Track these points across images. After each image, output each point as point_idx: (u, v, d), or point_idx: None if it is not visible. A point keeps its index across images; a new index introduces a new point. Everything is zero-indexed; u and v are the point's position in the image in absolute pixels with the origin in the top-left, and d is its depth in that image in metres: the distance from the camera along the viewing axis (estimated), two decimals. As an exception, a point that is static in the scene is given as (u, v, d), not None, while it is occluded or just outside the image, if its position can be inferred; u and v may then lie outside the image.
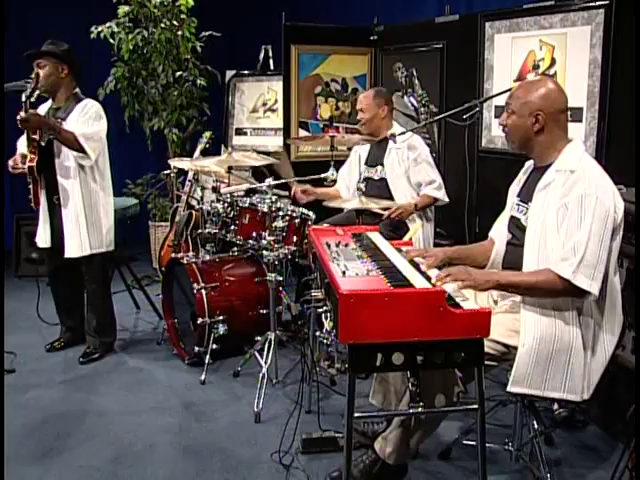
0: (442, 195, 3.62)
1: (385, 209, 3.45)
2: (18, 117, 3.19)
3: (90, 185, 3.51)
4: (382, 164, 3.70)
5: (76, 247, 3.50)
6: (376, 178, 3.72)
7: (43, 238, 3.59)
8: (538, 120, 2.20)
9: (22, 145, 3.45)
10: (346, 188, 3.89)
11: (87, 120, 3.40)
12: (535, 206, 2.23)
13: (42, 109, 3.54)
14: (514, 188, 2.46)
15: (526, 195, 2.32)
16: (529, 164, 2.40)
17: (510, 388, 2.14)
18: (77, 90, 3.53)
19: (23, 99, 3.19)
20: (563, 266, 2.04)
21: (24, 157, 3.38)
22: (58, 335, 3.84)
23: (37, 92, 3.27)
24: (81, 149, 3.35)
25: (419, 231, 3.55)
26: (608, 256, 2.07)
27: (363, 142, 3.75)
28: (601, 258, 2.04)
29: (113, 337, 3.80)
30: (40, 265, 5.21)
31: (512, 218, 2.38)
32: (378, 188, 3.67)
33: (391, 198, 3.61)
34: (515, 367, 2.12)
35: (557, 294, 2.09)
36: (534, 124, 2.21)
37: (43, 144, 3.36)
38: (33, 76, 3.26)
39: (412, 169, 3.61)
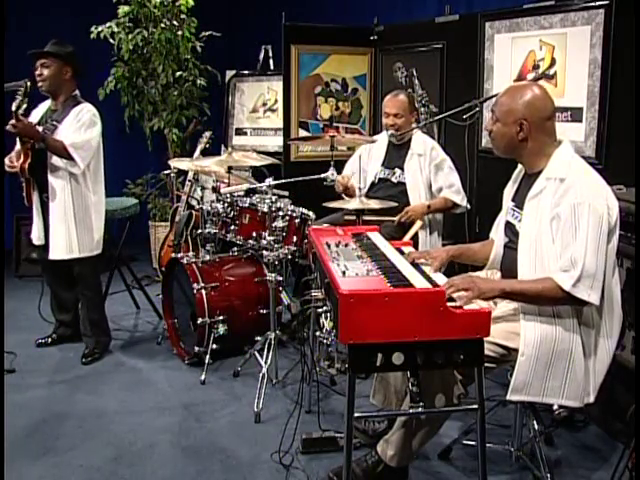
0: (460, 199, 3.60)
1: (395, 214, 3.44)
2: (7, 127, 3.19)
3: (81, 188, 3.49)
4: (402, 168, 3.68)
5: (63, 249, 3.48)
6: (394, 181, 3.70)
7: (37, 235, 3.59)
8: (522, 129, 2.17)
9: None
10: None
11: (80, 127, 3.39)
12: (527, 215, 2.22)
13: (41, 108, 3.55)
14: (508, 191, 2.45)
15: (520, 201, 2.31)
16: (521, 167, 2.39)
17: (510, 396, 2.14)
18: (76, 92, 3.53)
19: (13, 109, 3.19)
20: (563, 277, 2.03)
21: (19, 154, 3.38)
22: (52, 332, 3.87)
23: (24, 105, 3.24)
24: (70, 158, 3.35)
25: (420, 234, 3.54)
26: (605, 259, 2.06)
27: (363, 142, 3.74)
28: (599, 265, 2.03)
29: (108, 337, 3.79)
30: (40, 265, 5.25)
31: (508, 223, 2.38)
32: (395, 191, 3.66)
33: (407, 201, 3.60)
34: (515, 376, 2.11)
35: (558, 302, 2.09)
36: (518, 132, 2.18)
37: (37, 146, 3.36)
38: (22, 88, 3.21)
39: (434, 176, 3.61)
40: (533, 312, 2.13)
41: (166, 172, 4.73)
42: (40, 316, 3.97)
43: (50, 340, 3.84)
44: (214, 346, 3.45)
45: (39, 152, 3.39)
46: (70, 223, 3.47)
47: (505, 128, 2.21)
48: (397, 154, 3.72)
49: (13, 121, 3.18)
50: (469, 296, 1.99)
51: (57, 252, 3.49)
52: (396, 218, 3.48)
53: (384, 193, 3.67)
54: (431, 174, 3.62)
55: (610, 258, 2.10)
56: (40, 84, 3.40)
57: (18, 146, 3.46)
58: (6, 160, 3.45)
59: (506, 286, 2.11)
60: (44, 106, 3.56)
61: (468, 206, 3.66)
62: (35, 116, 3.52)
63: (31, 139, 3.30)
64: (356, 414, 1.95)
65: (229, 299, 3.59)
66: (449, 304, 1.86)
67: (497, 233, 2.47)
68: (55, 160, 3.41)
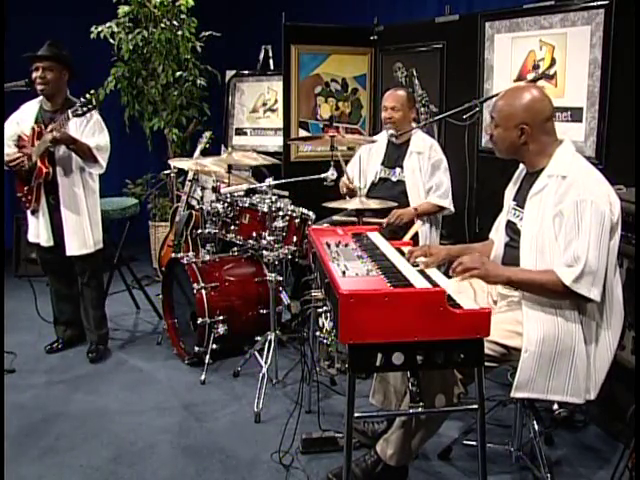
0: (447, 204, 3.59)
1: (384, 216, 3.44)
2: (52, 136, 3.24)
3: (90, 185, 3.58)
4: (401, 166, 3.66)
5: (79, 245, 3.55)
6: (394, 180, 3.69)
7: (45, 237, 3.60)
8: (524, 132, 2.19)
9: (7, 146, 3.51)
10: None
11: (95, 131, 3.47)
12: (529, 212, 2.23)
13: (27, 110, 3.54)
14: (510, 191, 2.46)
15: (521, 200, 2.32)
16: (523, 167, 2.40)
17: (514, 394, 2.15)
18: (68, 93, 3.56)
19: (71, 116, 3.22)
20: (566, 272, 2.05)
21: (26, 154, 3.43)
22: (56, 336, 3.85)
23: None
24: (94, 160, 3.45)
25: (420, 232, 3.53)
26: (607, 256, 2.07)
27: (363, 142, 3.73)
28: (601, 262, 2.05)
29: (107, 329, 3.83)
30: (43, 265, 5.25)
31: (509, 222, 2.39)
32: (396, 191, 3.65)
33: (407, 201, 3.59)
34: (518, 373, 2.12)
35: (560, 296, 2.10)
36: (520, 136, 2.20)
37: (52, 150, 3.42)
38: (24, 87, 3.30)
39: (430, 174, 3.60)
40: (535, 309, 2.15)
41: (166, 172, 4.73)
42: (39, 317, 3.97)
43: (58, 345, 3.81)
44: (214, 346, 3.45)
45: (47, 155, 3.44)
46: (84, 219, 3.56)
47: (506, 133, 2.22)
48: (397, 153, 3.71)
49: (56, 133, 3.24)
50: (475, 273, 2.04)
51: (73, 249, 3.55)
52: (384, 220, 3.47)
53: (384, 193, 3.67)
54: (428, 172, 3.61)
55: (612, 255, 2.12)
56: (42, 87, 3.40)
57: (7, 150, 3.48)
58: (6, 157, 3.47)
59: (512, 274, 2.15)
60: (31, 107, 3.55)
61: (453, 209, 3.64)
62: (25, 118, 3.51)
63: (67, 144, 3.35)
64: (356, 414, 1.95)
65: (229, 299, 3.59)
66: (449, 303, 1.87)
67: (497, 233, 2.48)
68: (65, 160, 3.45)
